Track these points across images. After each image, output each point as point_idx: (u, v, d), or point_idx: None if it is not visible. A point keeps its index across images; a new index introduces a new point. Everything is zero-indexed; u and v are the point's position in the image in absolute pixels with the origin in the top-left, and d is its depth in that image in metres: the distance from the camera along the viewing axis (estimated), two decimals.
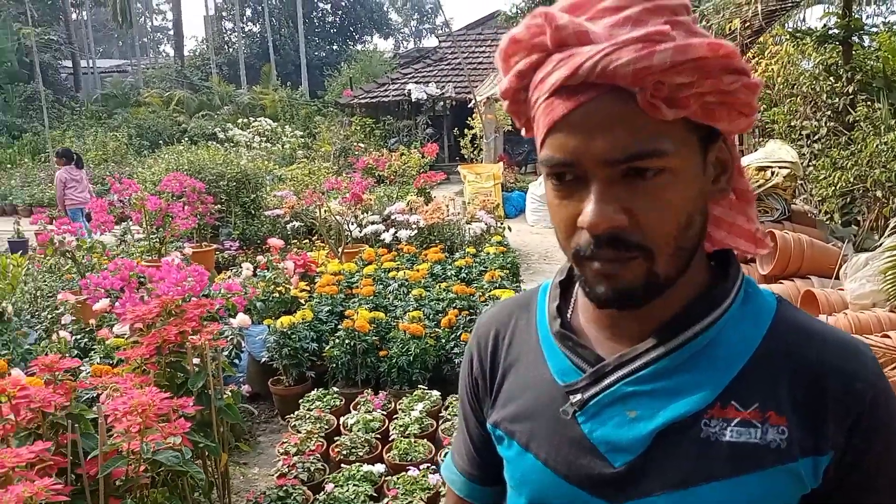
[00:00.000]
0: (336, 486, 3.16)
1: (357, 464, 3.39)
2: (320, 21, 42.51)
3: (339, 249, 7.26)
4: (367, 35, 44.46)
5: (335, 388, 4.41)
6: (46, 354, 3.13)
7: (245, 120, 20.32)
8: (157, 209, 6.79)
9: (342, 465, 3.47)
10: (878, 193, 6.27)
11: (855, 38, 7.30)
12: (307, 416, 3.98)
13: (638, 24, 0.67)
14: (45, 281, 5.79)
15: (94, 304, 4.46)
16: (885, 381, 0.75)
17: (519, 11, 15.26)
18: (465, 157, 15.63)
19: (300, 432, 3.75)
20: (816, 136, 7.32)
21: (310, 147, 17.86)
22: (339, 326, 4.68)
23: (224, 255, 8.06)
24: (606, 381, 0.77)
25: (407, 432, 3.76)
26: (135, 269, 4.82)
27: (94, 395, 3.09)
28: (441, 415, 3.98)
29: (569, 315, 0.85)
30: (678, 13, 0.69)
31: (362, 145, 16.78)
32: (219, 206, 8.36)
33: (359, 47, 38.65)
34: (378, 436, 3.78)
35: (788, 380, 0.73)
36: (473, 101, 14.67)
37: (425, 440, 3.69)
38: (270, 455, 3.98)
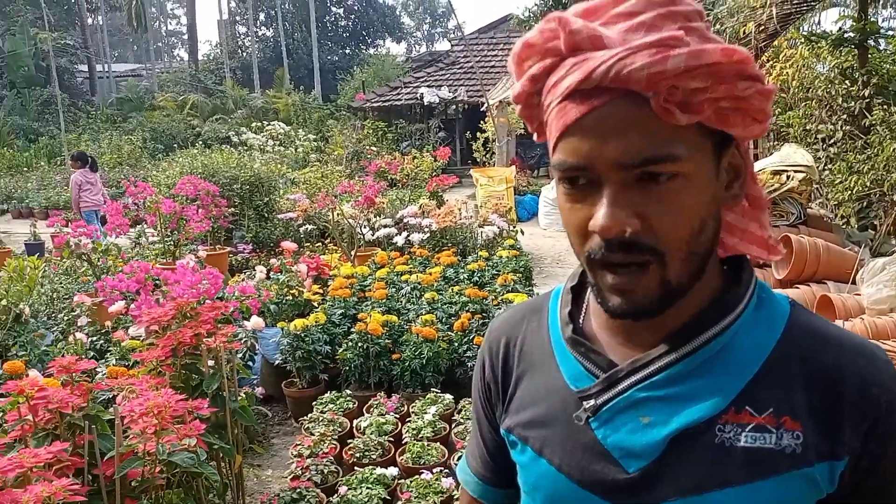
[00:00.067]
0: (349, 489, 3.16)
1: (370, 467, 3.40)
2: (333, 25, 42.70)
3: (352, 253, 7.28)
4: (379, 39, 44.64)
5: (348, 391, 4.42)
6: (63, 356, 3.16)
7: (258, 124, 20.43)
8: (172, 212, 6.84)
9: (355, 467, 3.47)
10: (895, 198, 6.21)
11: (871, 42, 7.23)
12: (320, 418, 4.00)
13: (652, 29, 0.67)
14: (61, 283, 5.84)
15: (110, 307, 4.49)
16: None
17: (532, 15, 15.22)
18: (478, 160, 15.61)
19: (313, 435, 3.76)
20: (832, 140, 7.26)
21: (322, 151, 17.92)
22: (352, 329, 4.70)
23: (237, 257, 8.11)
24: (619, 387, 0.77)
25: (420, 436, 3.76)
26: (150, 272, 4.85)
27: (111, 396, 3.12)
28: (454, 418, 3.97)
29: (581, 320, 0.85)
30: (692, 19, 0.69)
31: (374, 149, 16.80)
32: (232, 209, 8.41)
33: (371, 51, 38.76)
34: (391, 439, 3.79)
35: (804, 384, 0.73)
36: (486, 105, 14.67)
37: (438, 444, 3.69)
38: (284, 457, 3.99)
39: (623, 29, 0.68)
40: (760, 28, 6.77)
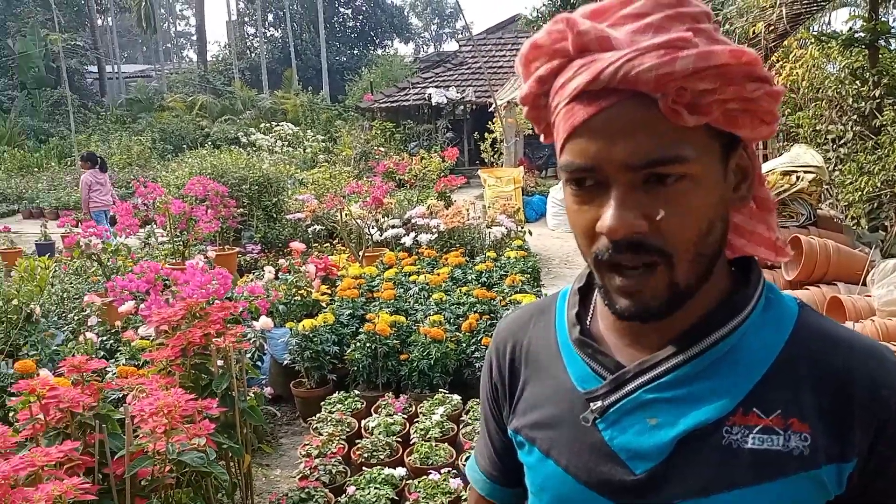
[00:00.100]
0: (357, 489, 3.17)
1: (378, 467, 3.40)
2: (341, 26, 42.78)
3: (360, 253, 7.29)
4: (387, 40, 44.70)
5: (356, 391, 4.42)
6: (74, 355, 3.17)
7: (267, 124, 20.50)
8: (181, 212, 6.87)
9: (363, 467, 3.48)
10: None
11: (881, 42, 7.18)
12: (329, 418, 4.01)
13: (660, 30, 0.67)
14: (71, 283, 5.88)
15: (120, 307, 4.52)
16: None
17: (540, 16, 15.19)
18: (486, 161, 15.63)
19: (322, 435, 3.77)
20: (842, 141, 7.21)
21: (331, 151, 17.96)
22: (361, 330, 4.71)
23: (246, 258, 8.14)
24: (627, 389, 0.77)
25: (428, 436, 3.76)
26: (160, 272, 4.88)
27: (121, 395, 3.14)
28: (462, 419, 3.98)
29: (588, 322, 0.85)
30: (700, 20, 0.69)
31: (383, 149, 16.84)
32: (241, 209, 8.44)
33: (379, 52, 38.82)
34: (399, 439, 3.79)
35: (813, 386, 0.73)
36: (494, 105, 14.67)
37: (446, 444, 3.69)
38: (292, 457, 4.00)
39: (631, 30, 0.68)
40: (770, 28, 6.74)
